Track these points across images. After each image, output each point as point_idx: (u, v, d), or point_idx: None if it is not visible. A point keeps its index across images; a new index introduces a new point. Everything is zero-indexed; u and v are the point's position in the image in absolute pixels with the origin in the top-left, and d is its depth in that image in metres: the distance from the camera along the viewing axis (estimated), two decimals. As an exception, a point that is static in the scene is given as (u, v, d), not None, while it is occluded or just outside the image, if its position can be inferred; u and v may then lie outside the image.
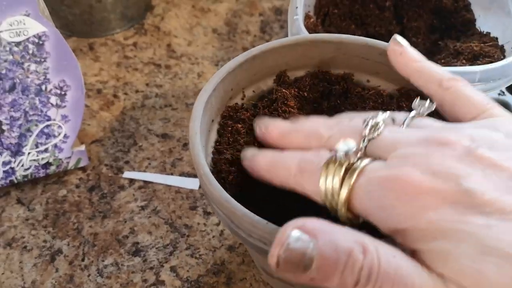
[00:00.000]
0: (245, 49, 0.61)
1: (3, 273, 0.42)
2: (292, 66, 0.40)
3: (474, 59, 0.41)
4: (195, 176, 0.48)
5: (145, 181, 0.48)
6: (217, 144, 0.36)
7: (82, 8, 0.59)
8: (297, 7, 0.44)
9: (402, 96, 0.39)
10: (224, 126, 0.37)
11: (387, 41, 0.37)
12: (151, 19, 0.66)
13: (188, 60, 0.60)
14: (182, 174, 0.48)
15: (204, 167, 0.30)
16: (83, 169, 0.49)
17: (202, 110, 0.34)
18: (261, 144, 0.37)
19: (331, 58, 0.40)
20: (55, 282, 0.41)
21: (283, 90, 0.38)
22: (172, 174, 0.48)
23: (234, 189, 0.33)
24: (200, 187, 0.47)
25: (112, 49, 0.62)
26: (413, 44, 0.49)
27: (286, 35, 0.62)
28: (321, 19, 0.51)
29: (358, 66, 0.40)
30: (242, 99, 0.40)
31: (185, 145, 0.51)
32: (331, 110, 0.40)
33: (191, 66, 0.59)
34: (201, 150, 0.31)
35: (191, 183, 0.47)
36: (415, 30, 0.50)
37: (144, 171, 0.49)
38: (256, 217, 0.27)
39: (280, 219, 0.26)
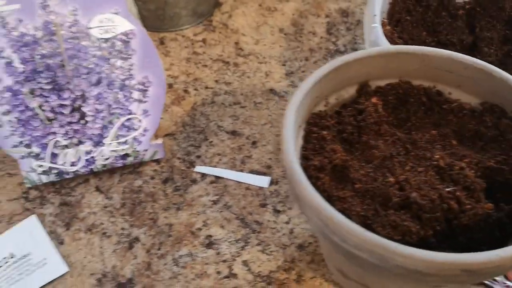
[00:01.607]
0: (312, 50, 0.62)
1: (85, 257, 0.44)
2: (373, 76, 0.41)
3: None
4: (264, 174, 0.50)
5: (216, 176, 0.50)
6: (303, 150, 0.37)
7: (157, 4, 0.61)
8: (375, 15, 0.45)
9: (486, 110, 0.39)
10: (310, 132, 0.38)
11: (459, 49, 0.38)
12: (219, 16, 0.67)
13: (255, 59, 0.62)
14: (251, 171, 0.50)
15: (300, 174, 0.32)
16: (157, 161, 0.51)
17: (294, 117, 0.35)
18: (350, 149, 0.38)
19: (414, 69, 0.41)
20: (134, 268, 0.43)
21: (372, 100, 0.40)
22: (242, 171, 0.50)
23: (322, 195, 0.33)
24: (272, 184, 0.49)
25: (182, 45, 0.64)
26: (485, 54, 0.50)
27: (353, 38, 0.63)
28: (393, 25, 0.51)
29: (440, 78, 0.40)
30: (325, 106, 0.41)
31: (254, 143, 0.53)
32: (413, 122, 0.41)
33: (258, 65, 0.61)
34: (295, 157, 0.33)
35: (261, 181, 0.49)
36: (488, 40, 0.50)
37: (215, 166, 0.51)
38: (354, 225, 0.28)
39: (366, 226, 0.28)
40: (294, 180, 0.32)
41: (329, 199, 0.34)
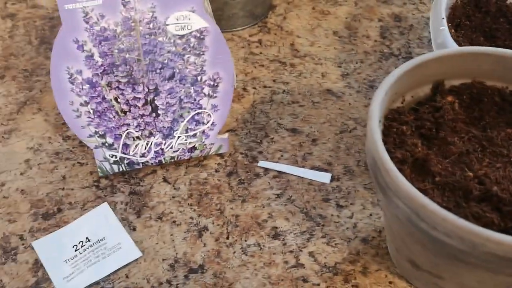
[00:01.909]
0: (366, 53, 0.64)
1: (157, 243, 0.46)
2: (448, 75, 0.42)
3: None
4: (325, 170, 0.51)
5: (279, 171, 0.51)
6: (384, 143, 0.38)
7: (217, 5, 0.63)
8: (443, 18, 0.46)
9: None
10: (389, 127, 0.40)
11: None
12: (273, 18, 0.69)
13: (311, 60, 0.63)
14: (313, 167, 0.52)
15: (390, 163, 0.33)
16: (221, 155, 0.53)
17: (378, 111, 0.37)
18: (428, 145, 0.39)
19: (488, 70, 0.42)
20: (204, 255, 0.45)
21: (448, 98, 0.41)
22: (303, 167, 0.52)
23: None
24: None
25: (239, 45, 0.66)
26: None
27: (407, 42, 0.65)
28: (453, 29, 0.53)
29: None
30: (402, 103, 0.42)
31: (314, 141, 0.54)
32: (487, 120, 0.42)
33: (314, 66, 0.63)
34: (383, 146, 0.34)
35: (323, 177, 0.51)
36: (547, 47, 0.51)
37: (277, 162, 0.52)
38: (448, 213, 0.30)
39: None
40: (384, 169, 0.33)
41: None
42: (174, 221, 0.48)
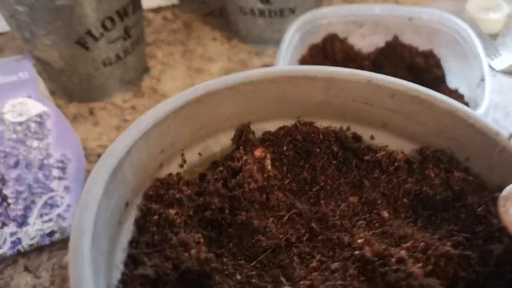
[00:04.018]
0: (237, 107, 0.64)
1: None
2: (259, 115, 0.29)
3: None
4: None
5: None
6: (133, 245, 0.24)
7: (81, 77, 0.63)
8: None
9: (427, 160, 0.28)
10: (148, 213, 0.24)
11: None
12: (148, 81, 0.69)
13: (183, 121, 0.63)
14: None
15: None
16: (86, 234, 0.52)
17: (104, 188, 0.21)
18: (216, 239, 0.25)
19: (318, 103, 0.29)
20: None
21: (255, 153, 0.28)
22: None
23: None
24: None
25: (112, 113, 0.65)
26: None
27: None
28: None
29: (357, 115, 0.29)
30: (181, 166, 0.28)
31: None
32: (321, 184, 0.29)
33: (186, 127, 0.62)
34: (87, 266, 0.19)
35: None
36: (393, 87, 0.53)
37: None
38: None
39: None
40: None
41: None
42: (33, 314, 0.46)
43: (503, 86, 0.63)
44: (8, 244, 0.49)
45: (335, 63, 0.56)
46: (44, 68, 0.60)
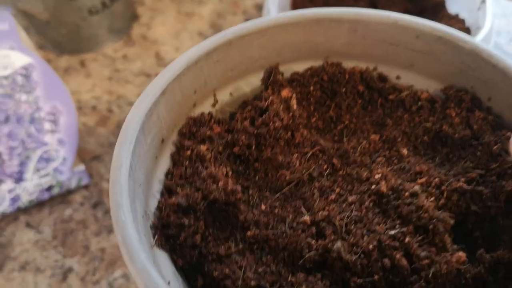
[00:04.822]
0: (231, 49, 0.62)
1: (20, 296, 0.44)
2: (287, 57, 0.29)
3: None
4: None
5: (145, 192, 0.50)
6: (168, 177, 0.26)
7: (69, 28, 0.61)
8: (270, 13, 0.45)
9: (451, 100, 0.28)
10: (181, 148, 0.26)
11: None
12: (138, 29, 0.67)
13: (176, 67, 0.61)
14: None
15: (129, 229, 0.20)
16: (86, 187, 0.51)
17: (140, 126, 0.23)
18: (243, 172, 0.26)
19: (345, 44, 0.29)
20: (69, 299, 0.43)
21: (282, 93, 0.28)
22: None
23: (187, 255, 0.23)
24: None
25: (103, 64, 0.63)
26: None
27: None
28: None
29: (383, 55, 0.29)
30: (213, 105, 0.29)
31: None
32: (345, 123, 0.30)
33: (180, 73, 0.61)
34: (125, 194, 0.21)
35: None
36: (391, 16, 0.51)
37: (144, 182, 0.51)
38: None
39: None
40: (118, 241, 0.21)
41: (203, 260, 0.23)
42: (38, 268, 0.46)
43: (506, 11, 0.61)
44: (7, 201, 0.48)
45: (326, 3, 0.53)
46: (31, 21, 0.58)
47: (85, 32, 0.62)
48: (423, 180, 0.26)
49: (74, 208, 0.49)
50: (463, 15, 0.48)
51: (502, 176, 0.26)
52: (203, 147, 0.26)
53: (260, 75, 0.29)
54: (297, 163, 0.27)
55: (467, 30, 0.46)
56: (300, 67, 0.30)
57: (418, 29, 0.28)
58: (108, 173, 0.52)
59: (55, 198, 0.50)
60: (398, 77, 0.30)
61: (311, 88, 0.30)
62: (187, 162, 0.26)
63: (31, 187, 0.48)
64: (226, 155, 0.27)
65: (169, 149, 0.27)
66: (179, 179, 0.25)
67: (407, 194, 0.25)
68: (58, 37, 0.62)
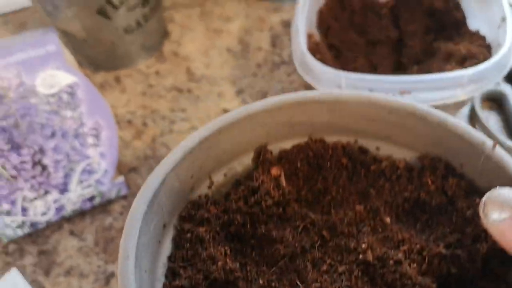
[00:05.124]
0: (258, 65, 0.65)
1: (66, 299, 0.47)
2: (274, 136, 0.32)
3: (463, 61, 0.44)
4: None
5: (180, 202, 0.53)
6: (172, 260, 0.28)
7: (105, 46, 0.64)
8: (298, 31, 0.48)
9: (426, 168, 0.31)
10: (182, 232, 0.28)
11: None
12: (169, 46, 0.70)
13: (207, 82, 0.65)
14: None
15: None
16: (125, 197, 0.54)
17: (143, 215, 0.26)
18: (240, 250, 0.28)
19: (326, 121, 0.32)
20: (112, 302, 0.46)
21: (271, 172, 0.31)
22: (203, 192, 0.53)
23: None
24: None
25: (137, 79, 0.67)
26: (410, 46, 0.53)
27: (295, 47, 0.66)
28: (324, 33, 0.54)
29: (362, 129, 0.32)
30: (209, 187, 0.31)
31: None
32: (333, 194, 0.32)
33: (210, 88, 0.64)
34: (132, 285, 0.23)
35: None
36: (412, 33, 0.53)
37: (178, 192, 0.54)
38: None
39: None
40: None
41: None
42: (82, 274, 0.49)
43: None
44: (52, 211, 0.52)
45: (352, 14, 0.56)
46: (69, 39, 0.62)
47: (120, 50, 0.65)
48: (405, 247, 0.27)
49: (114, 217, 0.53)
50: (483, 31, 0.50)
51: (476, 239, 0.28)
52: (201, 229, 0.28)
53: (251, 154, 0.32)
54: (290, 237, 0.29)
55: (488, 47, 0.48)
56: (287, 144, 0.32)
57: (390, 106, 0.30)
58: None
59: (96, 208, 0.54)
60: (377, 148, 0.32)
61: (299, 164, 0.32)
62: (188, 245, 0.28)
63: (74, 197, 0.51)
64: (224, 235, 0.29)
65: (171, 233, 0.29)
66: (181, 262, 0.27)
67: (391, 262, 0.26)
68: (94, 55, 0.66)
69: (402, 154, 0.31)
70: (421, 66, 0.46)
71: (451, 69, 0.43)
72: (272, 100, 0.30)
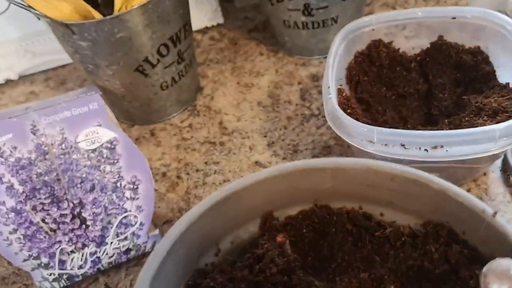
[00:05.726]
0: (289, 118, 0.67)
1: None
2: (280, 203, 0.32)
3: (494, 115, 0.45)
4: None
5: (214, 255, 0.53)
6: None
7: (141, 101, 0.67)
8: (329, 87, 0.49)
9: (429, 235, 0.31)
10: None
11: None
12: (202, 100, 0.73)
13: (239, 135, 0.66)
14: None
15: None
16: (159, 249, 0.55)
17: (148, 286, 0.25)
18: None
19: (330, 188, 0.32)
20: None
21: (277, 239, 0.31)
22: (237, 245, 0.54)
23: None
24: None
25: (171, 133, 0.69)
26: (440, 99, 0.53)
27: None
28: (353, 87, 0.56)
29: (365, 195, 0.32)
30: (216, 255, 0.32)
31: (246, 217, 0.56)
32: (339, 261, 0.32)
33: (242, 141, 0.65)
34: None
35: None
36: (441, 86, 0.54)
37: (212, 245, 0.54)
38: None
39: None
40: None
41: None
42: (118, 326, 0.49)
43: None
44: (89, 264, 0.53)
45: (381, 68, 0.57)
46: (107, 95, 0.65)
47: (156, 105, 0.68)
48: None
49: (149, 270, 0.53)
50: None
51: None
52: None
53: (256, 222, 0.32)
54: None
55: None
56: (293, 210, 0.32)
57: (391, 173, 0.30)
58: (178, 236, 0.56)
59: (131, 261, 0.54)
60: (381, 214, 0.32)
61: (304, 230, 0.33)
62: None
63: (110, 250, 0.53)
64: None
65: None
66: None
67: None
68: (131, 109, 0.68)
69: (406, 220, 0.32)
70: (452, 120, 0.47)
71: (483, 123, 0.43)
72: (276, 169, 0.31)
